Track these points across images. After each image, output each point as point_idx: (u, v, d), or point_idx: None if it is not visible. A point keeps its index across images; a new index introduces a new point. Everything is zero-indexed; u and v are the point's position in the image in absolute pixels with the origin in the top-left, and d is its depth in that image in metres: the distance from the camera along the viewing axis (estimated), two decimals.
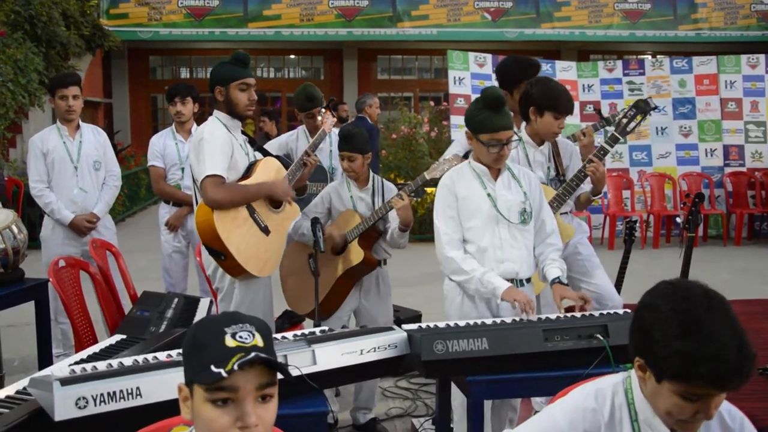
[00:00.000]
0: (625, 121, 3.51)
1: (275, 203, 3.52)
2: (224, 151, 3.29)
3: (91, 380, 1.97)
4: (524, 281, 3.01)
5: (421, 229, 9.21)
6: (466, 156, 3.61)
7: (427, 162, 9.64)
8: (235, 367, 1.32)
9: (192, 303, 4.08)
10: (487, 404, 3.04)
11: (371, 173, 3.84)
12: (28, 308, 4.12)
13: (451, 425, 2.96)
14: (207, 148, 3.26)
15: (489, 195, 2.98)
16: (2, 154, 9.83)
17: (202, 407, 1.36)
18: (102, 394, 1.93)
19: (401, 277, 4.19)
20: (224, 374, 1.31)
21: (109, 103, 16.66)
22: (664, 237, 9.54)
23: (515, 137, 3.00)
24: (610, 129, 3.78)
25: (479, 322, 2.70)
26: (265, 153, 3.74)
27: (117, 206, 4.92)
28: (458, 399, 2.97)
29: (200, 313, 3.94)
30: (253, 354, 1.35)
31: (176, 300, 3.95)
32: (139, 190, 12.54)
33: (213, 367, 1.32)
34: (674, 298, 1.51)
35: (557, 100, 3.39)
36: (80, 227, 4.58)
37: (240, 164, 3.41)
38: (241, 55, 3.43)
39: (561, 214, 3.50)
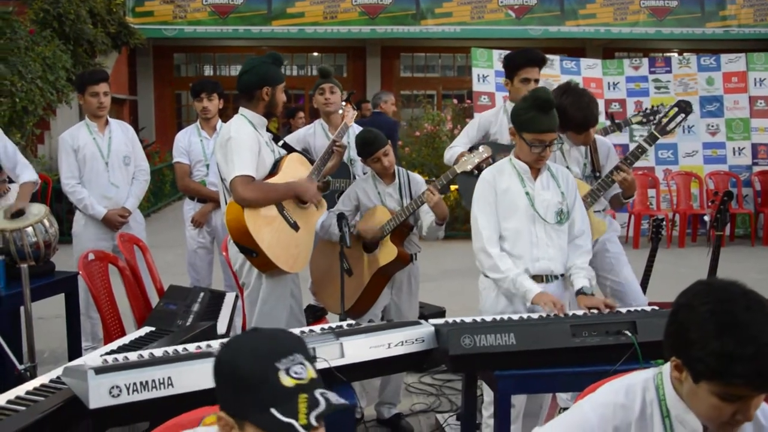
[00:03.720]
0: (665, 120, 3.51)
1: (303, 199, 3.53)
2: (252, 150, 3.32)
3: (124, 369, 2.00)
4: (557, 276, 3.03)
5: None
6: (471, 150, 3.63)
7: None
8: (313, 422, 1.28)
9: (218, 297, 4.12)
10: (520, 400, 3.04)
11: (397, 167, 3.85)
12: (58, 301, 4.18)
13: (478, 421, 2.96)
14: (235, 147, 3.28)
15: (528, 194, 3.00)
16: (31, 150, 9.96)
17: None
18: (135, 383, 1.96)
19: (422, 272, 4.22)
20: (301, 430, 1.27)
21: (134, 100, 16.82)
22: (689, 236, 9.45)
23: (558, 140, 3.02)
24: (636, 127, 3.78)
25: (506, 317, 2.70)
26: (290, 149, 3.77)
27: (142, 202, 4.96)
28: (490, 395, 3.00)
29: (226, 308, 3.97)
30: (323, 404, 1.30)
31: (202, 294, 3.99)
32: (164, 186, 12.65)
33: (278, 414, 1.27)
34: (712, 298, 1.49)
35: (585, 121, 3.41)
36: (113, 222, 4.64)
37: (267, 161, 3.44)
38: (279, 57, 3.51)
39: (595, 211, 3.49)
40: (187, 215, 5.02)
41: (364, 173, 4.28)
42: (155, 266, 4.39)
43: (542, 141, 2.90)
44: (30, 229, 3.82)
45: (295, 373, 1.31)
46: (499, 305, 3.02)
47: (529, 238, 2.98)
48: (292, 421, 1.27)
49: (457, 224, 9.91)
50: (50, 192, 8.65)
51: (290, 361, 1.32)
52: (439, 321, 2.57)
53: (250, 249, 3.28)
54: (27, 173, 4.22)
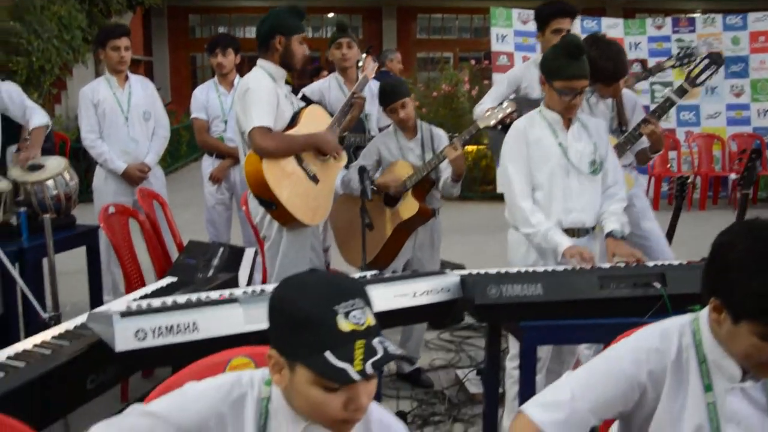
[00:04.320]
0: (696, 71, 3.42)
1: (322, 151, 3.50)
2: (270, 102, 3.29)
3: (150, 314, 1.99)
4: (589, 230, 2.99)
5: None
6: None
7: (468, 119, 9.53)
8: (369, 370, 1.25)
9: (237, 252, 4.11)
10: (545, 352, 3.02)
11: (419, 121, 3.80)
12: (79, 256, 4.19)
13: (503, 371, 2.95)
14: (254, 98, 3.25)
15: (560, 144, 2.94)
16: (48, 110, 9.97)
17: (309, 389, 1.29)
18: (160, 327, 1.95)
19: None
20: (357, 377, 1.24)
21: (150, 61, 16.75)
22: (710, 199, 9.34)
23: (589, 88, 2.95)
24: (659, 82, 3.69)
25: (530, 270, 2.67)
26: (309, 101, 3.73)
27: (159, 162, 4.93)
28: (516, 347, 2.99)
29: (245, 263, 3.97)
30: (381, 352, 1.28)
31: (222, 249, 3.97)
32: (180, 146, 12.66)
33: (332, 358, 1.24)
34: (751, 236, 1.46)
35: (614, 72, 3.34)
36: (133, 177, 4.63)
37: (286, 114, 3.41)
38: (299, 9, 3.43)
39: (622, 166, 3.43)
40: (205, 171, 5.00)
41: (379, 129, 4.25)
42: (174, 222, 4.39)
43: (573, 88, 2.83)
44: (50, 182, 3.81)
45: (354, 317, 1.28)
46: (529, 259, 2.98)
47: (562, 189, 2.93)
48: (347, 366, 1.24)
49: (474, 185, 9.86)
50: (68, 151, 8.66)
51: (350, 306, 1.29)
52: (464, 272, 2.54)
53: (269, 201, 3.26)
54: (37, 116, 4.09)
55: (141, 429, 1.39)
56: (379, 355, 1.27)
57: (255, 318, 2.03)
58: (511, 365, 3.15)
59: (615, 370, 1.60)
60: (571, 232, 2.92)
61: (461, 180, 3.59)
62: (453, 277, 2.42)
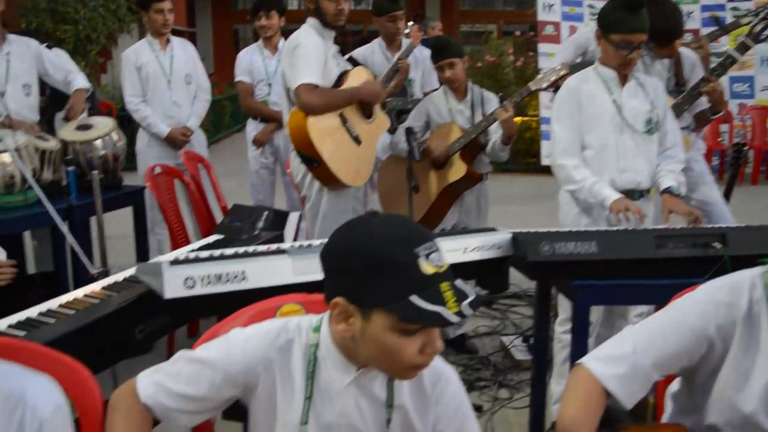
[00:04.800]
0: (759, 28, 3.26)
1: (367, 113, 3.46)
2: (318, 59, 3.26)
3: (199, 262, 1.98)
4: (644, 192, 2.90)
5: None
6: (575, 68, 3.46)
7: (513, 90, 9.39)
8: (466, 311, 1.21)
9: (281, 216, 4.10)
10: (596, 317, 2.95)
11: (469, 83, 3.73)
12: (124, 221, 4.23)
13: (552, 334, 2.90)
14: (302, 54, 3.22)
15: (615, 101, 2.85)
16: (95, 79, 10.08)
17: (386, 335, 1.24)
18: (209, 276, 1.93)
19: None
20: (454, 319, 1.21)
21: (193, 32, 16.83)
22: (763, 174, 9.06)
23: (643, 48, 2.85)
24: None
25: (584, 229, 2.60)
26: (355, 63, 3.68)
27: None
28: (566, 312, 2.93)
29: (290, 226, 3.96)
30: (471, 293, 1.25)
31: (266, 213, 3.97)
32: (223, 117, 12.72)
33: (420, 301, 1.20)
34: None
35: (670, 32, 3.21)
36: (176, 140, 4.63)
37: (332, 74, 3.37)
38: None
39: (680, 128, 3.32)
40: (249, 136, 4.98)
41: (424, 94, 4.20)
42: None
43: (630, 42, 2.73)
44: (99, 142, 3.84)
45: (434, 260, 1.23)
46: (581, 222, 2.91)
47: (616, 148, 2.84)
48: (440, 308, 1.20)
49: (518, 158, 9.72)
50: (114, 119, 8.72)
51: (429, 248, 1.24)
52: (515, 230, 2.47)
53: (311, 158, 3.24)
54: (79, 80, 4.16)
55: (188, 375, 1.38)
56: (471, 296, 1.24)
57: (303, 269, 2.00)
58: (560, 330, 3.10)
59: (680, 323, 1.53)
60: (625, 193, 2.83)
61: (511, 143, 3.52)
62: (504, 234, 2.36)
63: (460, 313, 1.21)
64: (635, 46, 2.74)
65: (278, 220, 3.93)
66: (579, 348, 2.42)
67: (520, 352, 3.76)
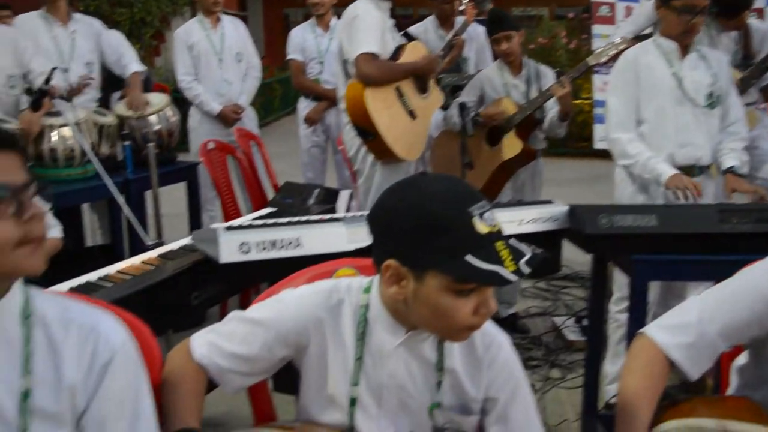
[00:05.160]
0: None
1: (422, 88, 3.44)
2: (377, 29, 3.25)
3: (254, 228, 1.99)
4: (704, 169, 2.81)
5: None
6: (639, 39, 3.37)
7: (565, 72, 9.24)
8: (524, 269, 1.19)
9: (332, 194, 4.12)
10: (652, 295, 2.88)
11: (525, 58, 3.67)
12: (177, 200, 4.28)
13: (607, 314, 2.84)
14: (361, 25, 3.21)
15: (674, 74, 2.76)
16: (149, 62, 10.25)
17: (439, 296, 1.22)
18: (264, 241, 1.94)
19: None
20: (512, 278, 1.18)
21: (244, 16, 16.96)
22: None
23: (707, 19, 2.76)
24: None
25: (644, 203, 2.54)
26: (410, 38, 3.65)
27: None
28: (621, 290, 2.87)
29: (341, 204, 3.97)
30: (528, 251, 1.22)
31: (317, 190, 3.99)
32: (274, 100, 12.81)
33: (476, 260, 1.18)
34: None
35: (736, 4, 3.11)
36: (227, 118, 4.67)
37: (388, 47, 3.36)
38: None
39: (745, 104, 3.20)
40: (301, 114, 5.00)
41: (477, 70, 4.14)
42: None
43: (694, 6, 2.63)
44: (153, 117, 3.90)
45: (487, 219, 1.21)
46: (637, 200, 2.84)
47: (675, 122, 2.75)
48: (497, 267, 1.18)
49: (570, 141, 9.56)
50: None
51: (481, 207, 1.21)
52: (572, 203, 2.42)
53: (367, 131, 3.23)
54: (133, 63, 4.22)
55: (240, 335, 1.38)
56: (528, 254, 1.22)
57: (358, 237, 1.99)
58: (615, 309, 3.03)
59: (751, 290, 1.47)
60: (684, 169, 2.74)
61: (568, 119, 3.45)
62: (561, 207, 2.32)
63: (517, 271, 1.19)
64: (698, 10, 2.64)
65: (329, 197, 3.94)
66: (636, 326, 2.34)
67: (572, 333, 3.71)
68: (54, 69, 3.35)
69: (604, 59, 3.36)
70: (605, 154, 2.91)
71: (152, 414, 1.24)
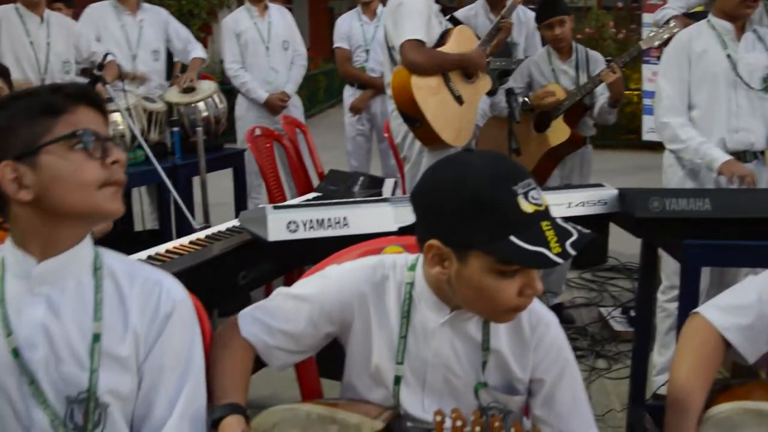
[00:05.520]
0: None
1: (469, 73, 3.41)
2: (422, 16, 3.22)
3: (302, 208, 2.00)
4: (757, 154, 2.73)
5: None
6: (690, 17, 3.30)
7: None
8: (570, 250, 1.15)
9: (377, 182, 4.12)
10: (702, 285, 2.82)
11: (574, 43, 3.61)
12: (224, 189, 4.33)
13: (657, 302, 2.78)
14: (407, 11, 3.19)
15: (729, 56, 2.69)
16: None
17: (483, 277, 1.19)
18: (311, 220, 1.95)
19: None
20: (558, 260, 1.15)
21: (290, 8, 17.08)
22: None
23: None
24: None
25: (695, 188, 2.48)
26: (456, 22, 3.62)
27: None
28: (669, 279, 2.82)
29: (386, 192, 3.97)
30: (575, 232, 1.18)
31: (362, 178, 4.00)
32: (318, 92, 12.88)
33: (520, 241, 1.15)
34: None
35: None
36: (274, 105, 4.72)
37: (434, 32, 3.33)
38: None
39: None
40: (346, 102, 5.02)
41: (526, 56, 4.09)
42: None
43: None
44: (201, 104, 3.96)
45: (533, 198, 1.17)
46: (686, 185, 2.77)
47: (728, 106, 2.68)
48: (542, 249, 1.15)
49: (617, 133, 9.41)
50: None
51: (527, 185, 1.18)
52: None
53: (413, 118, 3.21)
54: (198, 50, 4.43)
55: (286, 310, 1.39)
56: (575, 235, 1.18)
57: (405, 218, 1.98)
58: (663, 298, 2.98)
59: None
60: (736, 155, 2.67)
61: (618, 106, 3.39)
62: (611, 190, 2.28)
63: (563, 254, 1.15)
64: None
65: (374, 185, 3.95)
66: (686, 314, 2.31)
67: (618, 324, 3.65)
68: (107, 55, 3.43)
69: (656, 43, 3.28)
70: (653, 146, 2.85)
71: (202, 369, 1.30)
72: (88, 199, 1.18)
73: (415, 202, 1.28)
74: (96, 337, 1.21)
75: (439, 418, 1.20)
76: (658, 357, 2.96)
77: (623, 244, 4.53)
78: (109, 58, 3.49)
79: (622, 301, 3.99)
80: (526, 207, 1.16)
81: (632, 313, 3.68)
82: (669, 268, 2.83)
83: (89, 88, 1.28)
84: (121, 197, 1.23)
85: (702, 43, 2.71)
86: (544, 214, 1.18)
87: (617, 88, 3.31)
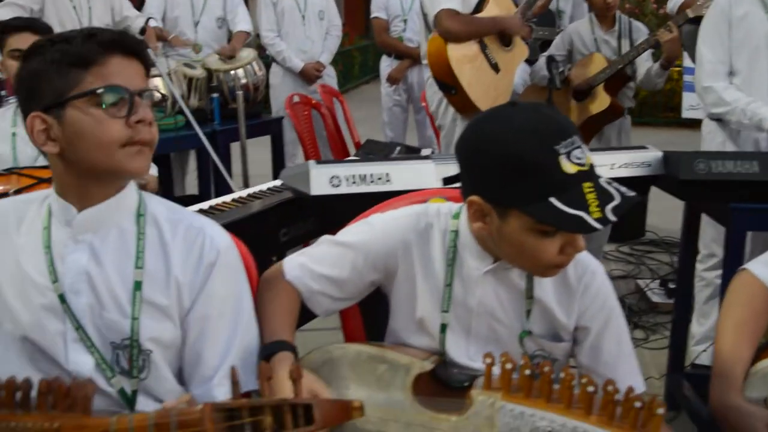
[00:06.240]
0: None
1: (506, 41, 3.37)
2: None
3: (344, 163, 2.01)
4: None
5: None
6: None
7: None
8: (610, 216, 1.12)
9: (413, 152, 4.12)
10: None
11: (618, 13, 3.56)
12: (260, 160, 4.35)
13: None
14: None
15: None
16: None
17: (523, 235, 1.19)
18: (354, 176, 1.96)
19: None
20: (597, 225, 1.11)
21: None
22: None
23: None
24: None
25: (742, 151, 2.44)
26: None
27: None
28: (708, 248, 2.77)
29: None
30: (617, 195, 1.15)
31: (399, 148, 4.00)
32: (353, 67, 12.85)
33: (559, 204, 1.12)
34: None
35: None
36: (309, 75, 4.72)
37: (471, 1, 3.29)
38: None
39: None
40: (383, 72, 5.00)
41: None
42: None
43: None
44: (240, 71, 3.98)
45: (576, 157, 1.14)
46: (726, 149, 2.72)
47: None
48: (581, 213, 1.12)
49: (656, 111, 9.27)
50: None
51: (570, 144, 1.14)
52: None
53: (449, 85, 3.19)
54: (244, 22, 4.46)
55: (331, 257, 1.40)
56: (617, 200, 1.14)
57: (447, 174, 1.98)
58: (702, 267, 2.92)
59: None
60: None
61: (670, 69, 3.33)
62: (655, 152, 2.25)
63: (603, 219, 1.12)
64: None
65: (410, 154, 3.96)
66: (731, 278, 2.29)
67: (656, 295, 3.63)
68: (149, 19, 3.45)
69: (705, 12, 3.21)
70: (693, 124, 2.79)
71: (253, 314, 1.30)
72: (110, 158, 1.14)
73: (459, 155, 1.28)
74: (137, 285, 1.20)
75: (489, 361, 1.20)
76: (697, 326, 2.93)
77: (661, 219, 4.50)
78: (152, 23, 3.51)
79: (659, 275, 3.95)
80: (568, 167, 1.13)
81: (671, 286, 3.64)
82: (707, 236, 2.78)
83: (125, 35, 1.21)
84: (149, 156, 1.19)
85: (743, 7, 2.64)
86: (587, 174, 1.15)
87: (673, 49, 3.26)
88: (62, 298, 1.19)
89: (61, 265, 1.20)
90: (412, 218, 1.39)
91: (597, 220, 1.12)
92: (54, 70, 1.13)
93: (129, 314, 1.20)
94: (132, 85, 1.15)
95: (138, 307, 1.20)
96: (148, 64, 1.20)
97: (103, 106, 1.13)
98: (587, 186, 1.15)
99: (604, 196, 1.14)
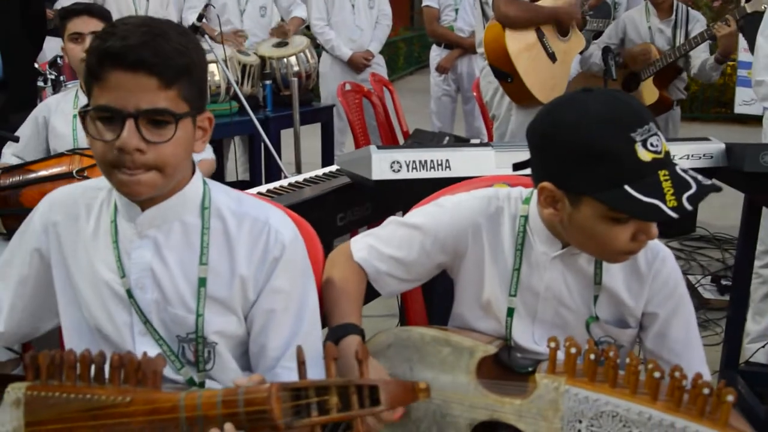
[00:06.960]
0: None
1: (563, 31, 3.35)
2: None
3: (404, 149, 2.02)
4: None
5: None
6: None
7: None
8: (687, 205, 1.11)
9: (462, 141, 4.12)
10: None
11: (677, 2, 3.50)
12: (310, 147, 4.37)
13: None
14: None
15: None
16: None
17: (595, 222, 1.18)
18: (414, 161, 1.97)
19: None
20: (673, 215, 1.10)
21: None
22: None
23: None
24: None
25: None
26: None
27: None
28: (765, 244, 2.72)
29: None
30: (693, 183, 1.13)
31: (447, 138, 3.99)
32: (398, 59, 12.83)
33: (634, 192, 1.12)
34: None
35: None
36: (358, 63, 4.73)
37: None
38: None
39: None
40: (433, 62, 4.99)
41: None
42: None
43: None
44: (293, 59, 4.00)
45: (652, 145, 1.13)
46: None
47: None
48: (657, 201, 1.11)
49: (707, 106, 9.08)
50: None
51: (646, 131, 1.13)
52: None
53: (505, 73, 3.18)
54: (300, 9, 4.55)
55: (399, 239, 1.40)
56: (694, 188, 1.13)
57: (506, 163, 1.98)
58: (759, 264, 2.87)
59: None
60: None
61: (725, 62, 3.27)
62: (718, 144, 2.21)
63: (678, 208, 1.11)
64: None
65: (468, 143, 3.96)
66: None
67: (707, 292, 3.57)
68: (207, 5, 3.50)
69: (764, 7, 3.14)
70: (746, 120, 2.74)
71: (317, 308, 1.29)
72: (109, 177, 1.13)
73: (530, 141, 1.27)
74: (202, 282, 1.20)
75: (553, 345, 1.20)
76: (753, 324, 2.88)
77: (712, 215, 4.42)
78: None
79: (710, 271, 3.89)
80: (644, 155, 1.12)
81: (723, 282, 3.58)
82: (765, 232, 2.73)
83: (128, 46, 1.06)
84: (147, 180, 1.10)
85: None
86: (663, 162, 1.14)
87: (729, 43, 3.21)
88: (129, 293, 1.20)
89: (127, 260, 1.21)
90: (483, 201, 1.39)
91: (672, 208, 1.11)
92: (86, 72, 1.12)
93: (194, 310, 1.20)
94: (129, 105, 1.07)
95: (202, 303, 1.20)
96: (165, 74, 1.08)
97: (91, 124, 1.10)
98: (663, 174, 1.14)
99: (680, 185, 1.13)
